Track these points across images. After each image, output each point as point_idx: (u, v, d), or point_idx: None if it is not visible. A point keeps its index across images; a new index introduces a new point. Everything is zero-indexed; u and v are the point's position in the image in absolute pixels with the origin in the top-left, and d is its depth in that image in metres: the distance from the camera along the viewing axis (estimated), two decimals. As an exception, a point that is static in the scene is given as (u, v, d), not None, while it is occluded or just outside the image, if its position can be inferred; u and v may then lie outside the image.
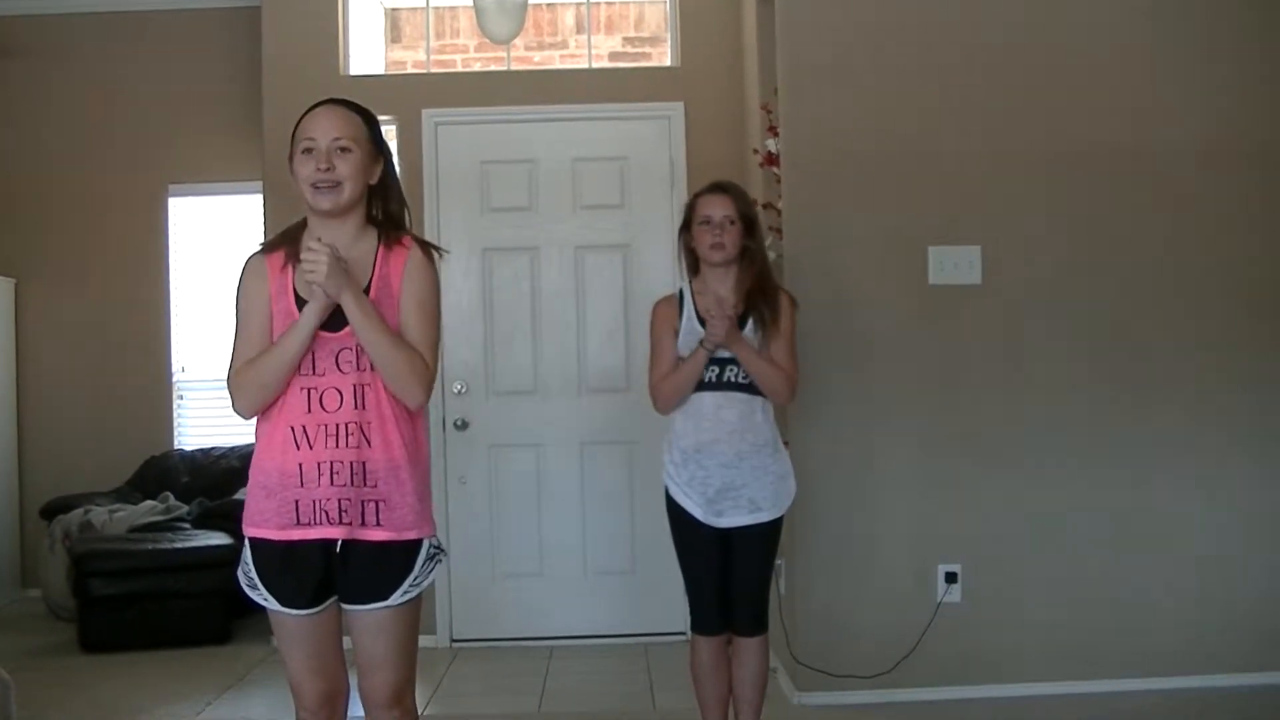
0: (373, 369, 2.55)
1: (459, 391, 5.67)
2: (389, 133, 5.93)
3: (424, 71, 6.00)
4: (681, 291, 3.58)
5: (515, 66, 6.01)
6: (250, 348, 2.61)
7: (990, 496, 4.49)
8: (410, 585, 2.59)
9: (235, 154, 6.61)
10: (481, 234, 5.64)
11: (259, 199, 5.84)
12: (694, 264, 3.58)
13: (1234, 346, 4.55)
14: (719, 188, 3.57)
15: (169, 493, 6.34)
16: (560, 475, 5.62)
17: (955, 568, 4.48)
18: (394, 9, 6.29)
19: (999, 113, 4.53)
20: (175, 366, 6.83)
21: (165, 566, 5.58)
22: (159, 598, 5.54)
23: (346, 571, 2.58)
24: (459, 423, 5.66)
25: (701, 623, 3.55)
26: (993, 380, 4.51)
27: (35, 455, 6.76)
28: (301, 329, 2.53)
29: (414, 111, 5.71)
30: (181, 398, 6.87)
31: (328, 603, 2.62)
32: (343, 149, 2.59)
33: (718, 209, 3.50)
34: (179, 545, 5.70)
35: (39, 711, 4.42)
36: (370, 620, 2.59)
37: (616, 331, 5.60)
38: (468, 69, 6.12)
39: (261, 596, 2.61)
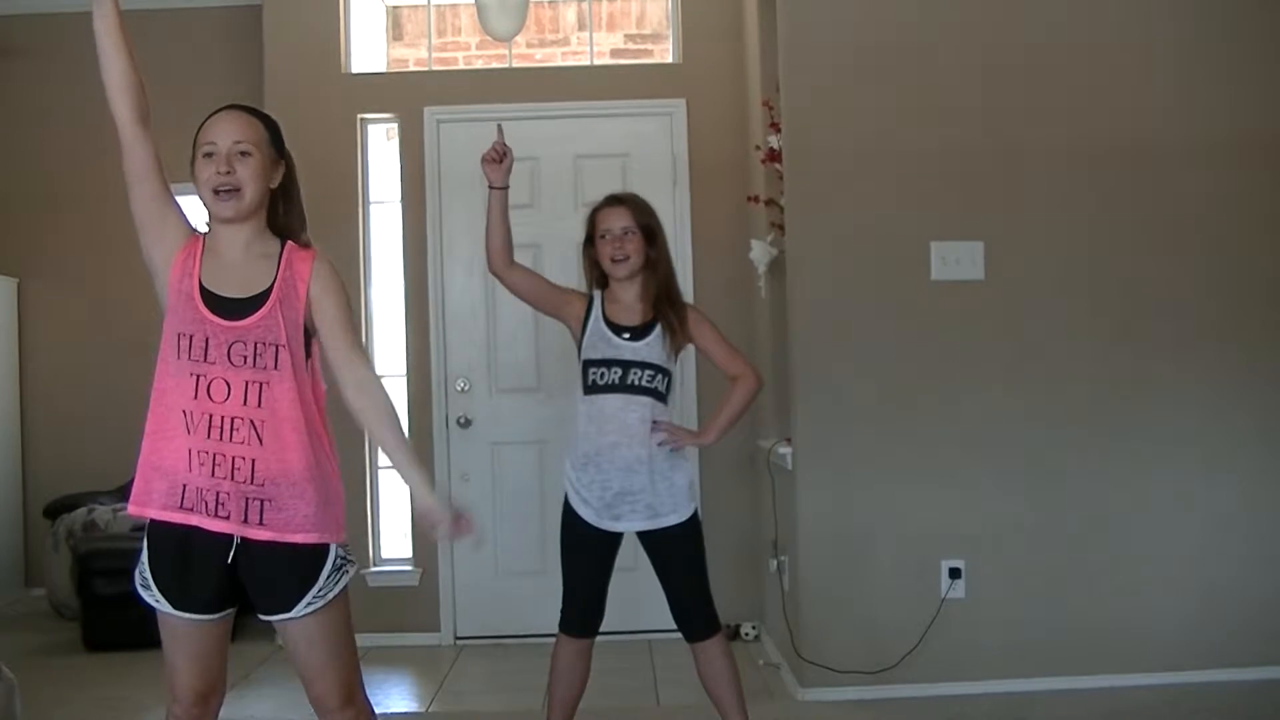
0: (275, 367, 2.52)
1: (462, 389, 5.67)
2: (390, 130, 5.93)
3: (425, 69, 6.00)
4: (592, 297, 3.57)
5: (517, 64, 6.01)
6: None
7: (994, 492, 4.49)
8: (314, 597, 2.56)
9: (236, 153, 6.59)
10: (483, 231, 5.62)
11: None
12: (601, 278, 3.57)
13: (1237, 343, 4.55)
14: (615, 200, 3.58)
15: (172, 491, 6.33)
16: (562, 473, 5.61)
17: (959, 563, 4.47)
18: (395, 7, 6.28)
19: (1002, 108, 4.53)
20: (178, 365, 6.83)
21: (169, 565, 5.57)
22: (163, 596, 5.54)
23: (247, 575, 2.55)
24: (461, 420, 5.66)
25: (568, 623, 3.59)
26: (996, 376, 4.50)
27: (38, 454, 6.76)
28: None
29: (416, 109, 5.71)
30: (184, 396, 6.86)
31: (225, 612, 2.59)
32: (243, 153, 2.59)
33: (616, 221, 3.50)
34: (182, 544, 5.70)
35: (43, 711, 4.43)
36: (297, 630, 2.57)
37: (619, 329, 5.59)
38: (469, 67, 6.12)
39: (154, 598, 2.55)
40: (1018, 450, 4.50)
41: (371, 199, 5.84)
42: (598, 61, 5.98)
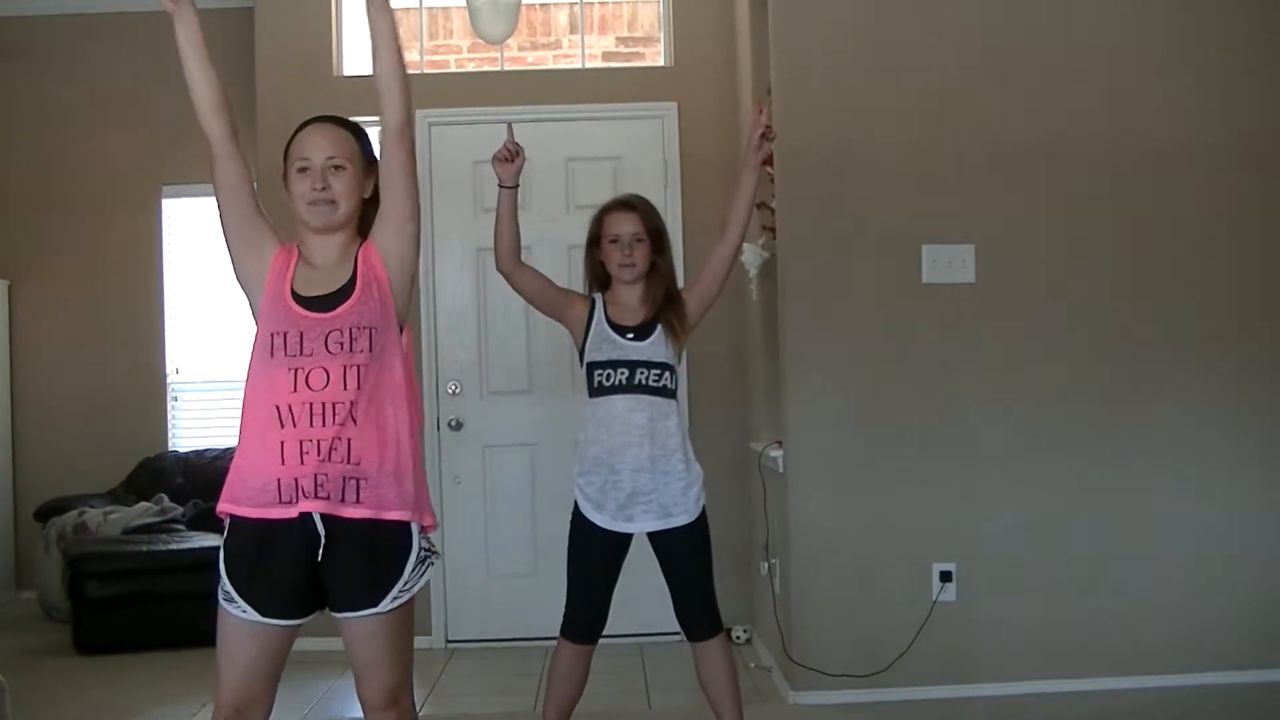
0: (370, 350, 2.56)
1: (453, 392, 5.67)
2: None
3: (417, 72, 5.99)
4: (594, 300, 3.57)
5: (508, 67, 6.01)
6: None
7: (985, 495, 4.49)
8: (400, 590, 2.56)
9: (229, 154, 6.59)
10: (475, 234, 5.63)
11: (253, 200, 5.84)
12: (603, 279, 3.57)
13: (1231, 345, 4.55)
14: (626, 205, 3.56)
15: (163, 494, 6.33)
16: (554, 475, 5.61)
17: (950, 566, 4.48)
18: (387, 9, 6.28)
19: (992, 110, 4.53)
20: (170, 368, 6.82)
21: (160, 568, 5.57)
22: (154, 599, 5.53)
23: (332, 570, 2.53)
24: (453, 423, 5.66)
25: (570, 628, 3.55)
26: (987, 379, 4.50)
27: (30, 457, 6.75)
28: None
29: (407, 112, 5.70)
30: (176, 399, 6.85)
31: (294, 622, 2.57)
32: (336, 167, 2.63)
33: (626, 227, 3.50)
34: (174, 547, 5.70)
35: (34, 714, 4.42)
36: (362, 626, 2.56)
37: (611, 331, 5.59)
38: (461, 70, 6.11)
39: (239, 609, 2.54)
40: (1009, 453, 4.50)
41: (364, 201, 5.83)
42: (589, 64, 5.98)
